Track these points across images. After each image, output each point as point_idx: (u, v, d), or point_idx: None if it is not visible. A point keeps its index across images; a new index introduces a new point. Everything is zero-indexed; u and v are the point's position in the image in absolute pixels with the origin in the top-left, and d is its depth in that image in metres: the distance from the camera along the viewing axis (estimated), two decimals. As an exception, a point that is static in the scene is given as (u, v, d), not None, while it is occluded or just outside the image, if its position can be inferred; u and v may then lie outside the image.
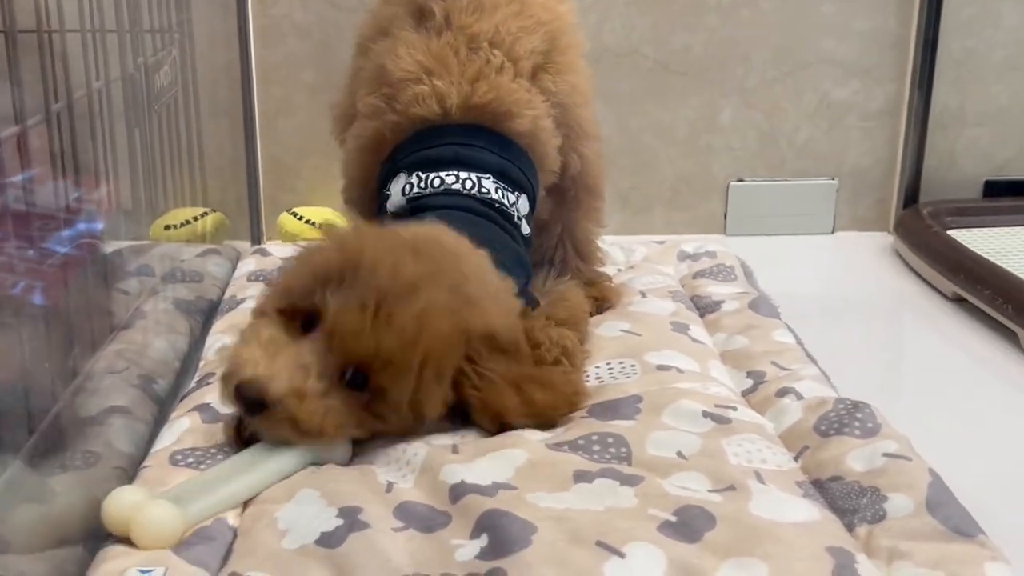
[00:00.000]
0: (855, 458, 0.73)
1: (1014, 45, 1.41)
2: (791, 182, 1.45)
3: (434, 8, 0.92)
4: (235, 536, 0.64)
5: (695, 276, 1.16)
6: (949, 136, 1.43)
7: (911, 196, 1.42)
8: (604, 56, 1.37)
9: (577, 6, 1.19)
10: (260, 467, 0.69)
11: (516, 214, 0.94)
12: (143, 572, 0.56)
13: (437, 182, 0.89)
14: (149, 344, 0.95)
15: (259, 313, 0.76)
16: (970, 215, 1.34)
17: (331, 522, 0.62)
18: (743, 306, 1.04)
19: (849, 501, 0.69)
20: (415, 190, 0.90)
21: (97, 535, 0.62)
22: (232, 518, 0.66)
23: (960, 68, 1.40)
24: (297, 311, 0.72)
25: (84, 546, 0.62)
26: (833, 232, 1.47)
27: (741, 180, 1.44)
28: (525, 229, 0.94)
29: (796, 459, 0.76)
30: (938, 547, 0.62)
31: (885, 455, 0.72)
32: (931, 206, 1.37)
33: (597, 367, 0.90)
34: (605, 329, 1.00)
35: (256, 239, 1.31)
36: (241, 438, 0.71)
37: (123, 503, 0.62)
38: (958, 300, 1.16)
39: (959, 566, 0.59)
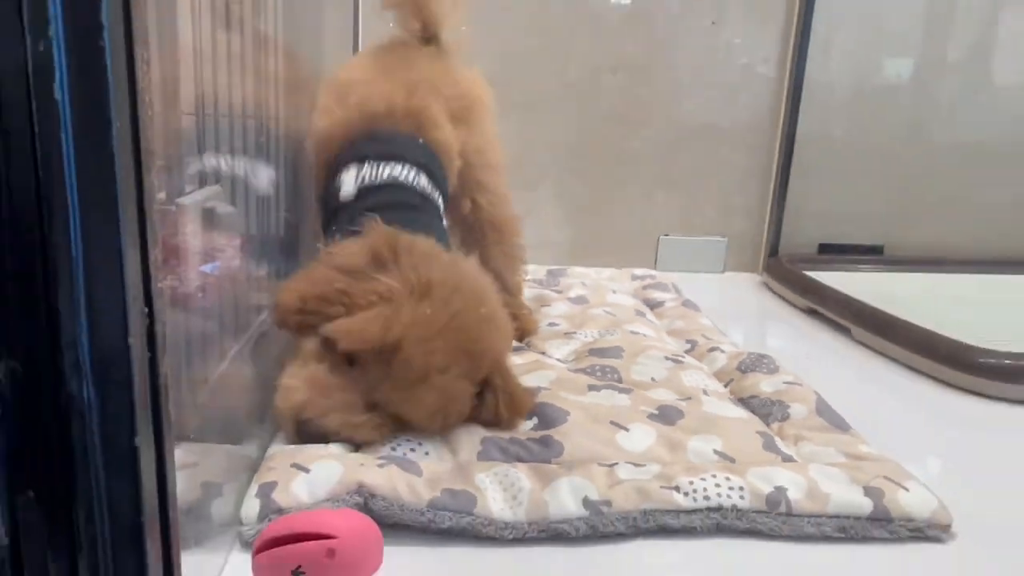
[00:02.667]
0: (765, 384, 0.92)
1: (841, 162, 1.70)
2: (698, 238, 1.71)
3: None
4: None
5: (644, 288, 1.45)
6: (797, 215, 1.70)
7: (773, 250, 1.69)
8: (581, 149, 1.64)
9: (565, 121, 1.57)
10: None
11: (440, 208, 0.96)
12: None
13: (386, 172, 0.90)
14: None
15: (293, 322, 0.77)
16: (811, 262, 1.62)
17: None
18: (678, 304, 1.33)
19: (764, 409, 0.88)
20: (367, 180, 0.90)
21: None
22: None
23: (807, 172, 1.68)
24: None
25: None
26: (724, 272, 1.73)
27: (667, 235, 1.71)
28: (444, 222, 0.97)
29: (725, 386, 0.96)
30: (826, 435, 0.81)
31: (785, 383, 0.92)
32: (787, 256, 1.67)
33: (595, 332, 1.14)
34: (594, 310, 1.25)
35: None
36: None
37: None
38: (808, 312, 1.42)
39: (843, 445, 0.79)
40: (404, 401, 0.72)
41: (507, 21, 1.60)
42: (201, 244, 0.70)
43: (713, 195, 1.73)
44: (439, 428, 0.76)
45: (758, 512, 0.70)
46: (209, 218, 0.69)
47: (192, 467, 0.65)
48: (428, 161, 0.93)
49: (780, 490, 0.71)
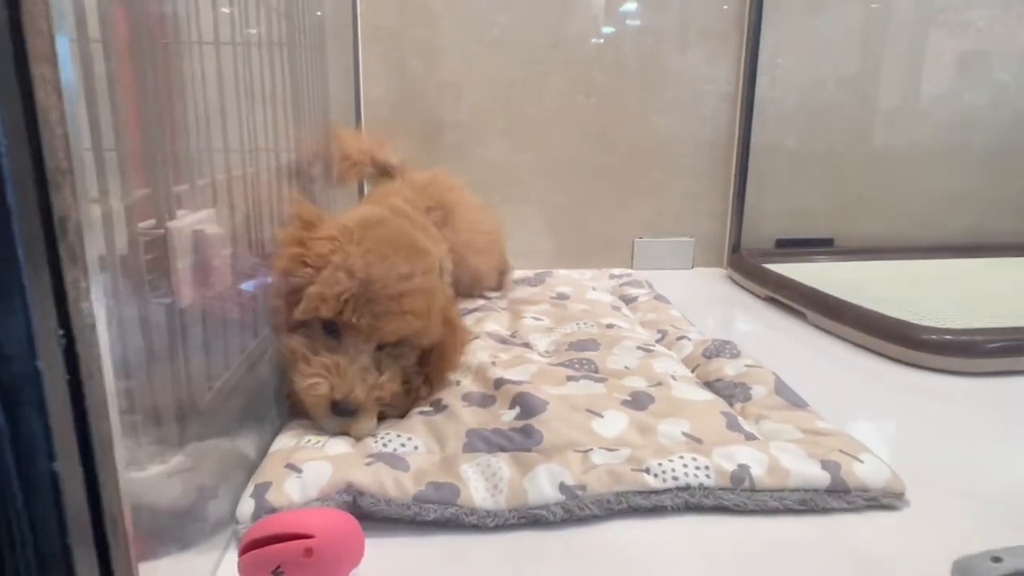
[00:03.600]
0: (728, 368, 0.88)
1: (794, 163, 1.66)
2: (669, 239, 1.66)
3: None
4: None
5: (620, 286, 1.39)
6: (756, 215, 1.66)
7: (735, 247, 1.64)
8: (562, 166, 1.59)
9: (545, 135, 1.53)
10: None
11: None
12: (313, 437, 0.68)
13: None
14: None
15: (285, 326, 0.73)
16: (769, 256, 1.59)
17: (429, 408, 0.76)
18: (651, 299, 1.27)
19: (728, 391, 0.83)
20: None
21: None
22: None
23: (762, 175, 1.64)
24: (318, 320, 0.70)
25: (276, 413, 0.70)
26: (692, 268, 1.68)
27: (641, 238, 1.66)
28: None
29: (692, 372, 0.91)
30: (785, 413, 0.76)
31: (746, 366, 0.87)
32: (747, 251, 1.61)
33: (574, 326, 1.08)
34: (574, 306, 1.19)
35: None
36: None
37: None
38: (768, 299, 1.38)
39: (800, 422, 0.73)
40: (397, 321, 0.69)
41: (492, 56, 1.56)
42: (193, 263, 0.64)
43: (680, 200, 1.68)
44: (434, 332, 0.73)
45: (724, 489, 0.64)
46: (201, 240, 0.63)
47: (188, 472, 0.60)
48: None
49: (743, 468, 0.65)
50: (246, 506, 0.58)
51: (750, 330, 1.23)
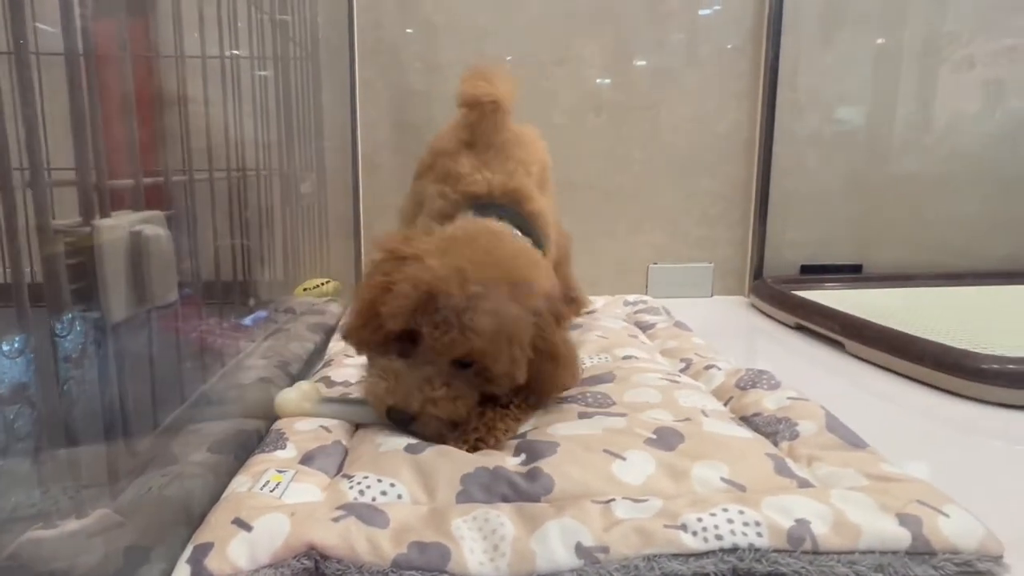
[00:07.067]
0: (768, 401, 0.75)
1: (815, 186, 1.55)
2: (686, 265, 1.55)
3: (478, 141, 0.94)
4: (346, 453, 0.65)
5: (635, 312, 1.27)
6: (779, 239, 1.56)
7: (758, 273, 1.53)
8: (571, 187, 1.50)
9: (552, 154, 1.42)
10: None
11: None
12: (279, 472, 0.57)
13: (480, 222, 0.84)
14: (287, 345, 0.98)
15: (356, 339, 0.73)
16: (794, 283, 1.48)
17: (415, 441, 0.64)
18: (670, 325, 1.15)
19: (770, 427, 0.70)
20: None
21: (247, 448, 0.65)
22: (345, 440, 0.68)
23: (784, 198, 1.53)
24: (393, 332, 0.68)
25: (234, 456, 0.62)
26: (711, 296, 1.57)
27: (656, 263, 1.55)
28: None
29: (725, 405, 0.79)
30: (842, 454, 0.63)
31: (789, 398, 0.75)
32: (771, 277, 1.51)
33: (584, 358, 0.95)
34: (584, 335, 1.08)
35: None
36: None
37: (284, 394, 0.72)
38: (798, 328, 1.26)
39: (862, 464, 0.61)
40: (463, 339, 0.64)
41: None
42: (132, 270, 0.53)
43: (696, 224, 1.57)
44: (511, 363, 0.67)
45: (780, 552, 0.51)
46: (136, 243, 0.52)
47: (115, 529, 0.47)
48: (521, 223, 0.87)
49: (802, 523, 0.52)
50: (180, 575, 0.45)
51: (781, 361, 1.10)
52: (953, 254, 1.62)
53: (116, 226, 0.50)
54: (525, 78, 1.46)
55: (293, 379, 0.90)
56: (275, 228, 1.13)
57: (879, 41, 1.55)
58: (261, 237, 1.05)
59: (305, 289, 1.27)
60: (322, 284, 1.30)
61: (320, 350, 1.06)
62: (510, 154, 0.94)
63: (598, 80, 1.49)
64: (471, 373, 0.68)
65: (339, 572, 0.46)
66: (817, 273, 1.57)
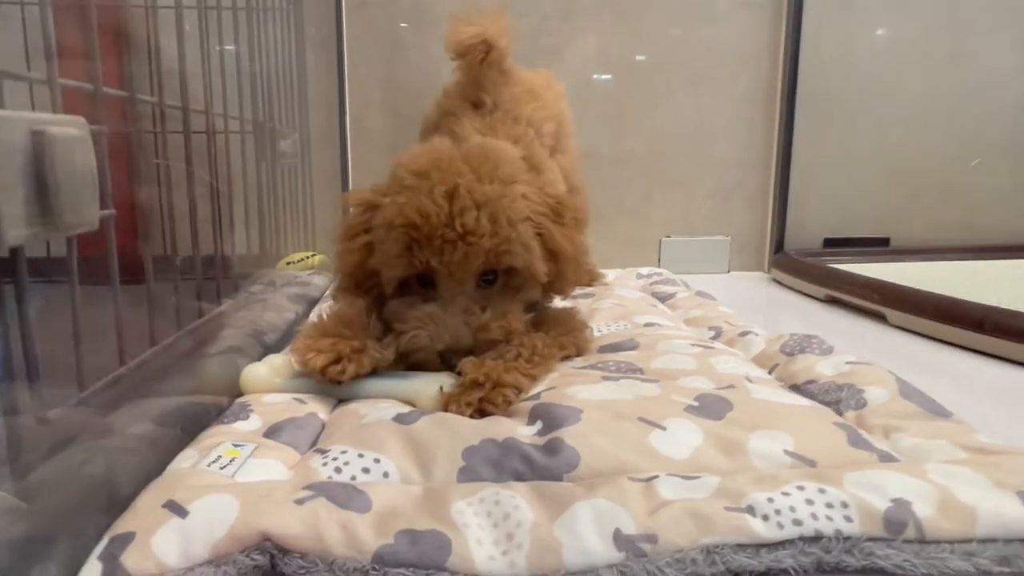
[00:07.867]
0: (823, 367, 0.65)
1: (839, 154, 1.44)
2: (700, 238, 1.45)
3: (485, 100, 0.90)
4: (323, 427, 0.55)
5: (651, 284, 1.17)
6: (799, 212, 1.45)
7: (779, 246, 1.42)
8: (577, 153, 1.37)
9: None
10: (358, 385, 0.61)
11: None
12: (236, 446, 0.48)
13: None
14: (262, 315, 0.88)
15: (350, 293, 0.69)
16: (817, 256, 1.36)
17: (406, 410, 0.55)
18: (691, 295, 1.05)
19: (829, 395, 0.60)
20: None
21: (201, 422, 0.54)
22: (323, 413, 0.58)
23: (806, 167, 1.42)
24: (406, 278, 0.66)
25: (181, 429, 0.51)
26: (728, 272, 1.47)
27: (668, 237, 1.45)
28: None
29: (770, 373, 0.69)
30: (926, 424, 0.53)
31: (848, 363, 0.64)
32: (794, 250, 1.40)
33: (600, 327, 0.84)
34: (599, 303, 0.97)
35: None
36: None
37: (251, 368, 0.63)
38: (829, 301, 1.15)
39: (955, 436, 0.50)
40: (470, 247, 0.62)
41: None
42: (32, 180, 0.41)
43: (712, 195, 1.45)
44: (525, 249, 0.64)
45: (876, 540, 0.39)
46: (45, 146, 0.40)
47: (10, 514, 0.36)
48: None
49: (901, 504, 0.41)
50: (89, 574, 0.34)
51: (819, 335, 0.98)
52: (987, 228, 1.50)
53: (9, 119, 0.38)
54: (526, 34, 1.34)
55: (267, 350, 0.79)
56: (248, 191, 1.02)
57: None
58: (230, 201, 0.93)
59: (289, 263, 1.18)
60: (307, 257, 1.21)
61: (301, 322, 0.95)
62: (519, 114, 0.89)
63: (605, 37, 1.37)
64: (500, 286, 0.66)
65: (302, 570, 0.34)
66: (842, 246, 1.45)
